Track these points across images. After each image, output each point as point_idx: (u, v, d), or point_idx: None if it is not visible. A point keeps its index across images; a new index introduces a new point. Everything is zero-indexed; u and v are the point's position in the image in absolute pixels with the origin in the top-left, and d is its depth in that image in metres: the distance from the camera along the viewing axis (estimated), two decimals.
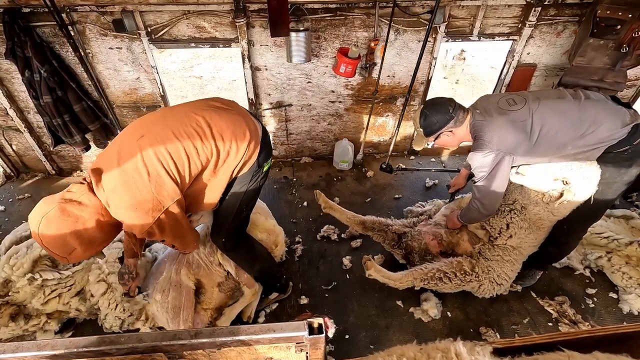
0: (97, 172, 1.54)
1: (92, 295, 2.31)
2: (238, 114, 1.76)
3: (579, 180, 2.01)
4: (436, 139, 2.10)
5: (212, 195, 1.79)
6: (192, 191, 1.71)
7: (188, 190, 1.69)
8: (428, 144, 2.16)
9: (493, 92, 3.66)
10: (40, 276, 2.21)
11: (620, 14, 2.70)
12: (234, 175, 1.79)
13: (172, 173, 1.55)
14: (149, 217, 1.53)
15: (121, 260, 2.06)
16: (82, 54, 2.82)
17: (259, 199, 2.25)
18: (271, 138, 3.68)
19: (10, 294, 2.25)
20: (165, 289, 2.20)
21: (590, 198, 2.05)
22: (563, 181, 2.02)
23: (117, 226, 1.62)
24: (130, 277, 2.00)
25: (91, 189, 1.54)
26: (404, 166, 3.78)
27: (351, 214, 2.74)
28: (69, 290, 2.31)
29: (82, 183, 1.57)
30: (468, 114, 2.02)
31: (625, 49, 2.78)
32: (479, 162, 1.97)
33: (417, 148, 2.21)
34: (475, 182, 2.11)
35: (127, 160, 1.51)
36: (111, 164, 1.52)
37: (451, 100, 2.04)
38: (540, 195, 2.12)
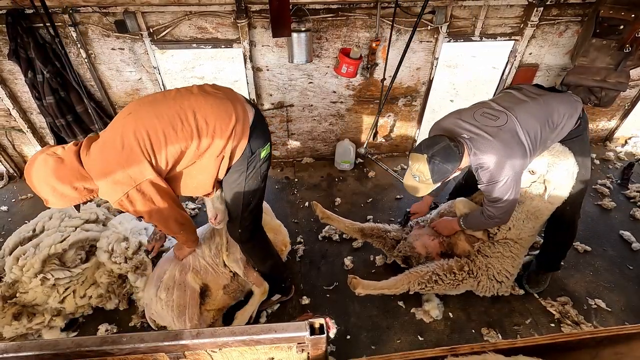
0: (91, 140, 1.68)
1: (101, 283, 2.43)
2: (226, 99, 1.74)
3: (554, 164, 2.08)
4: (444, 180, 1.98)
5: (202, 178, 1.81)
6: (178, 173, 1.77)
7: (173, 173, 1.75)
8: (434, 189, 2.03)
9: (495, 92, 3.65)
10: (52, 276, 2.23)
11: (623, 14, 2.69)
12: (227, 163, 1.78)
13: (148, 152, 1.61)
14: (118, 190, 1.62)
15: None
16: (85, 54, 2.83)
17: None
18: (272, 138, 3.68)
19: (17, 295, 2.25)
20: (170, 287, 2.21)
21: (580, 172, 2.12)
22: (530, 171, 2.10)
23: (91, 190, 1.70)
24: (155, 239, 2.38)
25: (77, 152, 1.64)
26: (406, 166, 3.77)
27: (349, 222, 2.71)
28: (82, 284, 2.38)
29: (75, 145, 1.69)
30: (463, 145, 1.90)
31: (628, 49, 2.77)
32: (500, 192, 1.94)
33: (420, 195, 2.05)
34: (492, 202, 2.02)
35: (110, 134, 1.66)
36: (101, 135, 1.69)
37: (446, 137, 1.88)
38: (530, 191, 2.17)
